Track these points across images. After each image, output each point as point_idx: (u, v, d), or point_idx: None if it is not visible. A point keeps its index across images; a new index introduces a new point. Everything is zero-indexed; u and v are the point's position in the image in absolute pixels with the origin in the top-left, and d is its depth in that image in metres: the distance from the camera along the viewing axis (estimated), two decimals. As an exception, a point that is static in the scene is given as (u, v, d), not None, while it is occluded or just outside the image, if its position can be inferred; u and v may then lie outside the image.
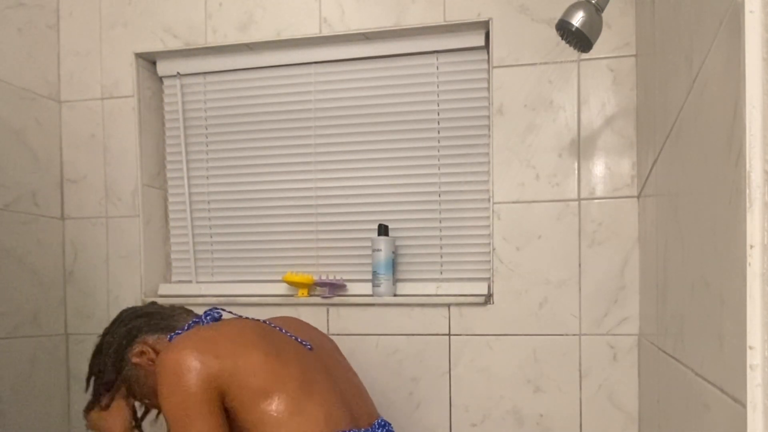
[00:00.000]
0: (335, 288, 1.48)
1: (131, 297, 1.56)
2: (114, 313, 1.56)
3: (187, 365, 0.92)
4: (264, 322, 1.09)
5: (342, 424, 0.97)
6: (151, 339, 1.10)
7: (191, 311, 1.18)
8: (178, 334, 1.06)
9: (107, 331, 1.14)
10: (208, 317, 1.11)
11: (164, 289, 1.61)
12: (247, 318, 1.09)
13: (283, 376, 0.96)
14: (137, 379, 1.10)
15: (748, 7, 0.45)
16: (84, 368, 1.59)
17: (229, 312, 1.18)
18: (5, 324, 1.44)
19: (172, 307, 1.17)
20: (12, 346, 1.46)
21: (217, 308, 1.15)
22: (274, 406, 0.93)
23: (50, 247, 1.57)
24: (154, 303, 1.20)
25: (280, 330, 1.07)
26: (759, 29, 0.44)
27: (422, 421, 1.43)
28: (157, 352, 1.08)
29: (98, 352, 1.14)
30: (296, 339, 1.06)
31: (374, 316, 1.43)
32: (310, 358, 1.04)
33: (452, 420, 1.41)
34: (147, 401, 1.14)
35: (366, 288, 1.49)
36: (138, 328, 1.10)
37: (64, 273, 1.60)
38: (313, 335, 1.15)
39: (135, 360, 1.08)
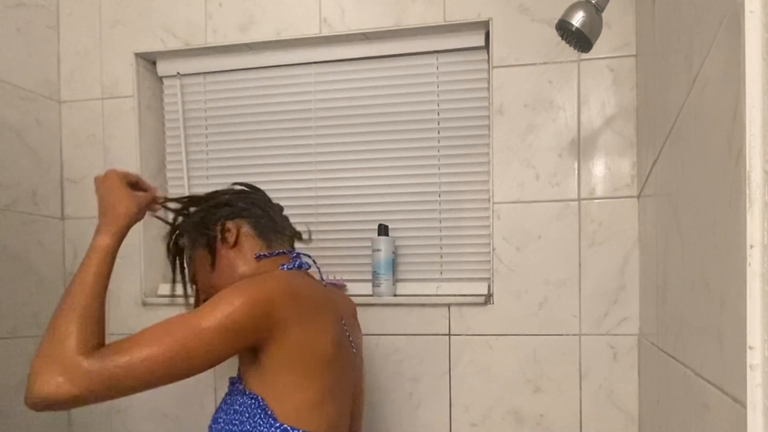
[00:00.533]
0: (335, 288, 1.48)
1: (131, 297, 1.56)
2: (114, 313, 1.57)
3: (264, 304, 0.88)
4: (335, 302, 1.07)
5: None
6: (246, 229, 1.08)
7: (293, 234, 1.16)
8: (265, 257, 1.06)
9: (226, 192, 1.12)
10: (298, 262, 1.09)
11: (164, 289, 1.61)
12: (326, 291, 1.06)
13: (329, 369, 0.94)
14: (199, 247, 1.09)
15: (748, 7, 0.45)
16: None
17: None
18: (5, 324, 1.44)
19: (282, 219, 1.15)
20: (12, 346, 1.46)
21: (302, 256, 1.12)
22: (304, 390, 0.92)
23: (50, 247, 1.56)
24: (264, 197, 1.18)
25: (342, 321, 1.05)
26: (759, 29, 0.44)
27: (422, 421, 1.43)
28: (236, 243, 1.07)
29: (204, 200, 1.11)
30: (349, 337, 1.05)
31: (374, 316, 1.43)
32: (350, 359, 1.03)
33: (452, 420, 1.41)
34: (192, 272, 1.13)
35: (366, 288, 1.49)
36: (242, 215, 1.08)
37: (64, 273, 1.60)
38: (358, 336, 1.17)
39: (216, 231, 1.07)
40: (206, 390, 1.53)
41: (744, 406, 0.45)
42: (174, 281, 1.14)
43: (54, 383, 0.78)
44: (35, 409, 0.79)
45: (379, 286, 1.44)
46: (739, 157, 0.46)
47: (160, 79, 1.63)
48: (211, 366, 0.87)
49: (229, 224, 1.07)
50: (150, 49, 1.56)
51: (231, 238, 1.06)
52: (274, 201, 1.56)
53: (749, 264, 0.45)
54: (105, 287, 0.91)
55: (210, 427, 0.99)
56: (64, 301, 0.88)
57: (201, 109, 1.60)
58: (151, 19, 1.55)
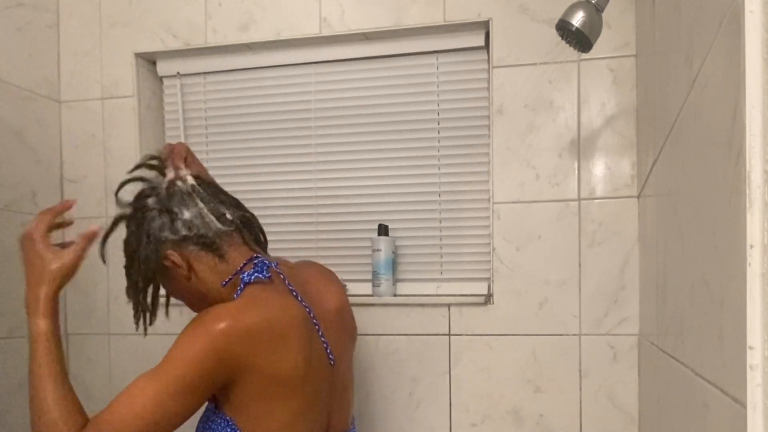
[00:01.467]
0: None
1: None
2: (113, 314, 1.57)
3: (215, 354, 0.85)
4: (306, 307, 0.99)
5: None
6: (190, 254, 0.97)
7: (251, 230, 1.05)
8: (230, 281, 0.98)
9: (157, 207, 0.99)
10: (256, 272, 0.98)
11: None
12: (294, 298, 0.99)
13: (297, 392, 0.92)
14: (164, 274, 1.01)
15: (748, 7, 0.45)
16: (84, 368, 1.60)
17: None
18: (5, 324, 1.44)
19: (231, 223, 1.01)
20: (12, 346, 1.46)
21: (265, 262, 1.01)
22: (274, 414, 0.91)
23: (50, 247, 1.56)
24: (210, 185, 1.05)
25: (317, 326, 0.99)
26: (759, 29, 0.44)
27: (422, 421, 1.43)
28: (190, 267, 0.98)
29: (138, 225, 1.00)
30: (326, 346, 1.00)
31: (374, 316, 1.43)
32: (328, 377, 1.00)
33: (452, 420, 1.41)
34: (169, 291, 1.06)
35: (366, 288, 1.49)
36: (183, 236, 0.97)
37: (64, 273, 1.60)
38: (339, 326, 1.08)
39: (167, 263, 0.98)
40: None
41: (744, 406, 0.45)
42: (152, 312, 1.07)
43: None
44: None
45: (379, 286, 1.44)
46: (739, 157, 0.46)
47: (160, 79, 1.63)
48: (183, 422, 0.88)
49: (171, 255, 0.98)
50: (150, 49, 1.55)
51: (183, 271, 0.99)
52: (274, 201, 1.57)
53: (749, 264, 0.45)
54: (61, 367, 0.91)
55: None
56: (33, 397, 0.89)
57: (201, 109, 1.60)
58: (151, 19, 1.55)
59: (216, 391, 0.90)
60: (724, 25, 0.52)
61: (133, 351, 1.57)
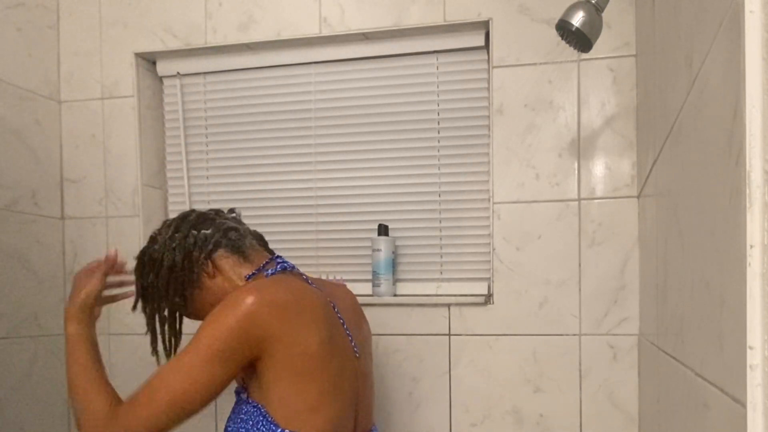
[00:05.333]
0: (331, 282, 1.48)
1: (131, 297, 1.56)
2: (113, 314, 1.57)
3: (244, 324, 0.89)
4: (329, 299, 1.05)
5: None
6: (219, 252, 1.06)
7: (263, 241, 1.15)
8: (254, 275, 1.05)
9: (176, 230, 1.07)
10: (280, 266, 1.07)
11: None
12: (317, 289, 1.04)
13: (323, 370, 0.94)
14: (192, 284, 1.07)
15: (748, 7, 0.45)
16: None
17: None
18: (5, 324, 1.44)
19: (246, 230, 1.12)
20: (12, 346, 1.46)
21: (287, 261, 1.10)
22: (302, 394, 0.92)
23: (50, 247, 1.57)
24: (221, 212, 1.15)
25: (341, 319, 1.04)
26: (759, 29, 0.44)
27: (422, 421, 1.43)
28: (216, 267, 1.05)
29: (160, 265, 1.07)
30: (350, 338, 1.04)
31: (374, 316, 1.43)
32: (352, 364, 1.02)
33: (452, 420, 1.41)
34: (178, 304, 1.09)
35: (366, 288, 1.49)
36: (217, 242, 1.06)
37: (64, 273, 1.60)
38: (363, 328, 1.14)
39: (197, 272, 1.06)
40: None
41: (744, 406, 0.45)
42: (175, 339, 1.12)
43: None
44: None
45: (379, 286, 1.44)
46: (739, 157, 0.46)
47: (160, 79, 1.63)
48: (214, 397, 0.92)
49: (203, 264, 1.06)
50: (150, 49, 1.55)
51: (209, 270, 1.06)
52: (274, 201, 1.57)
53: (749, 264, 0.45)
54: (93, 360, 1.00)
55: None
56: (69, 388, 0.99)
57: (201, 109, 1.60)
58: (151, 19, 1.55)
59: (245, 363, 0.92)
60: (724, 25, 0.52)
61: (133, 351, 1.57)
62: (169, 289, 1.06)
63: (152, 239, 1.09)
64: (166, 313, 1.09)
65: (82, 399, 0.95)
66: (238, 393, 1.03)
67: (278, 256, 1.10)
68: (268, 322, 0.90)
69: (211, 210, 1.13)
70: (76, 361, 0.99)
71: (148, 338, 1.10)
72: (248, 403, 0.96)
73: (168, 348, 1.11)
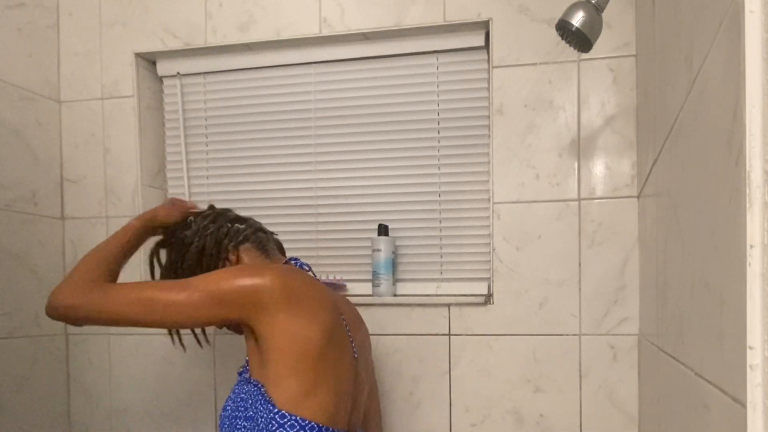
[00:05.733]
0: (335, 288, 1.48)
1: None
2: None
3: (253, 284, 0.94)
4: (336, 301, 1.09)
5: (338, 426, 0.99)
6: (245, 246, 1.15)
7: (282, 249, 1.25)
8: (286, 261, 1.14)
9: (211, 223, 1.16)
10: (299, 263, 1.15)
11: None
12: (326, 288, 1.07)
13: (321, 357, 0.95)
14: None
15: (748, 7, 0.45)
16: (84, 368, 1.60)
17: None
18: (5, 324, 1.44)
19: (271, 237, 1.22)
20: (12, 346, 1.46)
21: (304, 263, 1.17)
22: (298, 377, 0.94)
23: (50, 247, 1.57)
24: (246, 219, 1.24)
25: (344, 320, 1.06)
26: (759, 29, 0.44)
27: (422, 421, 1.43)
28: (239, 259, 1.14)
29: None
30: (351, 339, 1.06)
31: (374, 316, 1.43)
32: (351, 361, 1.04)
33: (452, 420, 1.41)
34: None
35: (366, 288, 1.49)
36: (246, 237, 1.15)
37: (64, 273, 1.60)
38: (364, 335, 1.18)
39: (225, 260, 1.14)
40: (206, 390, 1.53)
41: (744, 406, 0.45)
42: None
43: (64, 293, 0.98)
44: (48, 314, 0.99)
45: (379, 286, 1.44)
46: (739, 157, 0.46)
47: (160, 79, 1.63)
48: (195, 325, 0.98)
49: (231, 253, 1.14)
50: (150, 49, 1.56)
51: (232, 258, 1.14)
52: (274, 201, 1.57)
53: (749, 264, 0.45)
54: (122, 252, 1.10)
55: (220, 415, 1.02)
56: (86, 257, 1.06)
57: (201, 109, 1.60)
58: (151, 19, 1.55)
59: (242, 318, 0.96)
60: (724, 25, 0.52)
61: (133, 351, 1.57)
62: (191, 270, 1.11)
63: (185, 225, 1.16)
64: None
65: (81, 268, 1.02)
66: (240, 373, 1.05)
67: (295, 258, 1.17)
68: (277, 295, 0.94)
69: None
70: (107, 245, 1.08)
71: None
72: (249, 382, 0.99)
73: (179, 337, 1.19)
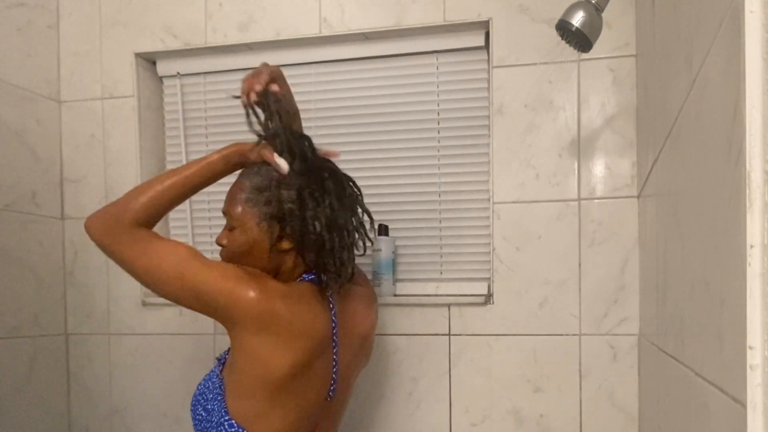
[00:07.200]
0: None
1: (131, 297, 1.56)
2: (113, 314, 1.57)
3: (234, 298, 0.92)
4: (333, 325, 1.02)
5: None
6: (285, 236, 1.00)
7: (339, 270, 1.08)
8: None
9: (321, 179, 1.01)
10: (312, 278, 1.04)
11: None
12: (327, 313, 1.02)
13: (282, 389, 0.94)
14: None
15: (748, 7, 0.45)
16: (84, 368, 1.60)
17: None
18: (5, 324, 1.44)
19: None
20: (12, 346, 1.46)
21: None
22: (254, 397, 0.94)
23: (50, 247, 1.57)
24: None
25: (335, 348, 1.02)
26: (759, 29, 0.44)
27: (422, 421, 1.43)
28: (274, 249, 1.00)
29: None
30: (333, 381, 1.02)
31: (374, 316, 1.43)
32: (319, 401, 1.02)
33: (452, 420, 1.41)
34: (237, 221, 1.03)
35: (366, 288, 1.49)
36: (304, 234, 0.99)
37: (64, 273, 1.60)
38: (359, 360, 1.14)
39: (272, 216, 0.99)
40: (206, 390, 1.53)
41: (744, 406, 0.45)
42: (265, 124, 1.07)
43: (96, 225, 0.99)
44: (87, 232, 1.00)
45: (379, 286, 1.44)
46: (739, 157, 0.46)
47: (160, 79, 1.63)
48: (179, 303, 0.98)
49: (276, 228, 0.99)
50: (150, 49, 1.55)
51: (283, 244, 1.00)
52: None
53: (749, 264, 0.45)
54: (189, 189, 1.02)
55: (193, 395, 1.05)
56: (154, 179, 1.01)
57: (201, 109, 1.60)
58: (151, 19, 1.55)
59: (219, 320, 0.96)
60: (724, 25, 0.52)
61: (133, 351, 1.57)
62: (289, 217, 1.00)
63: (286, 178, 1.00)
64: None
65: (123, 201, 0.99)
66: (219, 359, 1.06)
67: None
68: (252, 317, 0.92)
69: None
70: (167, 181, 1.00)
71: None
72: (217, 376, 1.00)
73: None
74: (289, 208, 0.98)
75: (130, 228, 0.97)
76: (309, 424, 1.01)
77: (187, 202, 1.59)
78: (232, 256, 1.02)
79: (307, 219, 0.98)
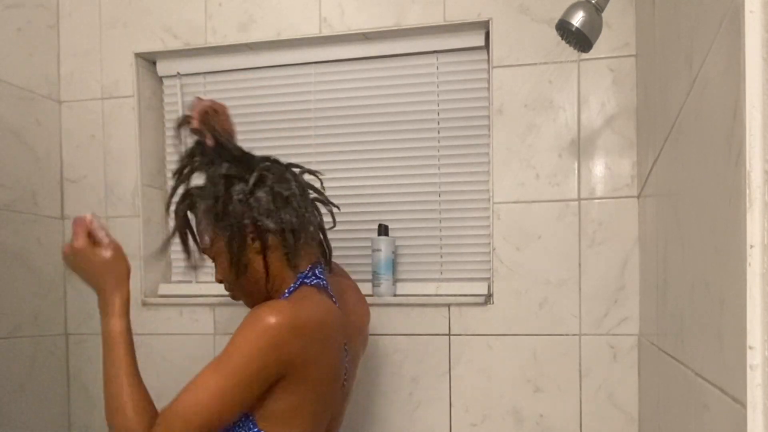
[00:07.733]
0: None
1: (131, 297, 1.56)
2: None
3: (274, 349, 0.89)
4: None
5: None
6: (273, 241, 1.01)
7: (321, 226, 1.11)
8: (291, 292, 1.02)
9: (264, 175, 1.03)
10: (314, 280, 1.04)
11: (164, 289, 1.61)
12: (338, 309, 1.03)
13: (326, 385, 0.97)
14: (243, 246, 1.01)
15: (748, 7, 0.45)
16: (84, 368, 1.60)
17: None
18: (5, 324, 1.44)
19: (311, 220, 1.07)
20: (12, 346, 1.46)
21: (321, 268, 1.08)
22: (282, 401, 0.93)
23: (50, 247, 1.56)
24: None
25: (345, 345, 1.03)
26: (759, 29, 0.44)
27: (422, 421, 1.43)
28: (263, 251, 1.01)
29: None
30: (345, 364, 1.04)
31: (374, 316, 1.43)
32: (337, 390, 1.03)
33: (452, 420, 1.41)
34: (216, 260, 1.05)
35: (366, 288, 1.48)
36: (274, 224, 1.01)
37: (64, 273, 1.60)
38: (359, 345, 1.16)
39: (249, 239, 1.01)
40: (206, 390, 1.53)
41: (744, 406, 0.45)
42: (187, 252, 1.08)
43: None
44: None
45: (379, 286, 1.44)
46: (739, 157, 0.46)
47: (160, 79, 1.63)
48: (242, 412, 0.92)
49: (256, 230, 1.01)
50: (150, 49, 1.55)
51: (257, 245, 1.01)
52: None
53: (749, 264, 0.45)
54: (135, 365, 0.96)
55: None
56: (108, 394, 0.94)
57: (201, 109, 1.60)
58: (151, 19, 1.55)
59: (273, 383, 0.92)
60: (724, 25, 0.52)
61: (133, 351, 1.57)
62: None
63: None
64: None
65: (122, 413, 0.91)
66: None
67: (315, 271, 1.06)
68: (297, 346, 0.91)
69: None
70: (124, 370, 0.94)
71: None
72: None
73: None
74: (235, 208, 0.99)
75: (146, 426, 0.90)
76: (329, 415, 1.03)
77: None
78: (235, 285, 1.04)
79: (251, 204, 0.99)
